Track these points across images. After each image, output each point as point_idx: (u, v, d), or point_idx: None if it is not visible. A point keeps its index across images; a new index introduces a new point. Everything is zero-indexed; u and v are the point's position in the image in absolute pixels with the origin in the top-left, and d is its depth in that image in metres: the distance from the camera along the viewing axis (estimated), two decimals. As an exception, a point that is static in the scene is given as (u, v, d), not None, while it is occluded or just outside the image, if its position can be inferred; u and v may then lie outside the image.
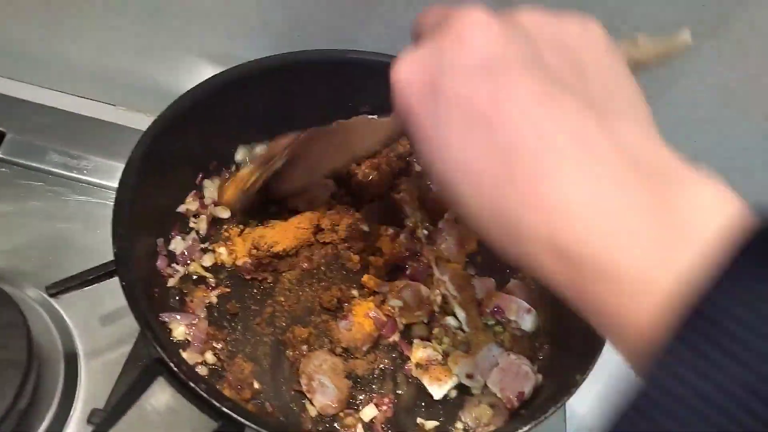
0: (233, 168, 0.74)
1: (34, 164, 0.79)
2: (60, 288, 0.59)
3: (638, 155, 0.27)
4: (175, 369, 0.45)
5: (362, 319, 0.64)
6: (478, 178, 0.29)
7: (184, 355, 0.58)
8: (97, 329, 0.68)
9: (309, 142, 0.63)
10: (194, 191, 0.71)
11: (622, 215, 0.25)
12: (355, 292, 0.67)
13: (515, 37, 0.30)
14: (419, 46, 0.32)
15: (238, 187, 0.67)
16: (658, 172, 0.26)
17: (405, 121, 0.32)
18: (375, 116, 0.63)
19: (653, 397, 0.22)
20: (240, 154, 0.74)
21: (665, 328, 0.23)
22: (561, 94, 0.28)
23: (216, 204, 0.71)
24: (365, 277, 0.67)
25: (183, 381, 0.45)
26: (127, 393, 0.47)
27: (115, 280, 0.58)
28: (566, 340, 0.64)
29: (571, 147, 0.27)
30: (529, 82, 0.29)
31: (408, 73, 0.32)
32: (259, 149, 0.72)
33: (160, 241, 0.66)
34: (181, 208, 0.70)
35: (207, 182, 0.72)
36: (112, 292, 0.65)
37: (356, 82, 0.73)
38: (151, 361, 0.48)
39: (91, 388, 0.65)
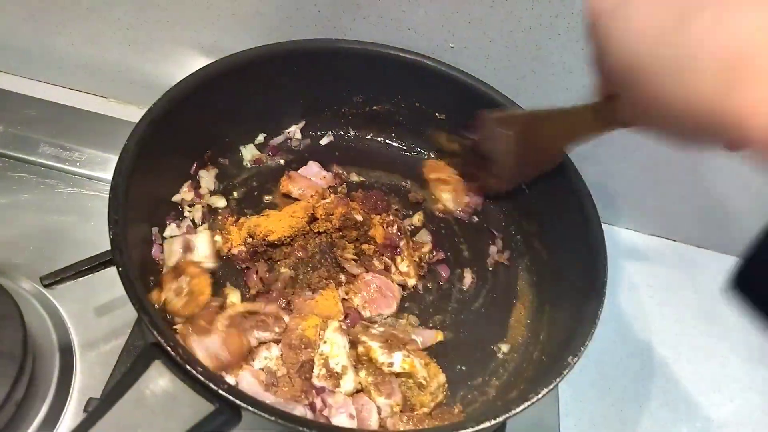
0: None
1: (26, 157, 0.79)
2: (55, 279, 0.59)
3: None
4: (172, 352, 0.46)
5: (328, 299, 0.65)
6: (658, 33, 0.37)
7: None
8: (92, 321, 0.69)
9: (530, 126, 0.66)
10: (189, 181, 0.71)
11: None
12: (342, 278, 0.67)
13: None
14: None
15: None
16: None
17: (596, 22, 0.42)
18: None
19: None
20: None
21: None
22: None
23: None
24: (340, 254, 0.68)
25: (179, 364, 0.46)
26: (123, 377, 0.47)
27: (109, 271, 0.58)
28: (558, 322, 0.65)
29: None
30: None
31: None
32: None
33: (155, 229, 0.66)
34: (176, 198, 0.70)
35: (203, 172, 0.72)
36: (106, 284, 0.66)
37: (350, 72, 0.74)
38: (148, 345, 0.48)
39: (87, 380, 0.65)
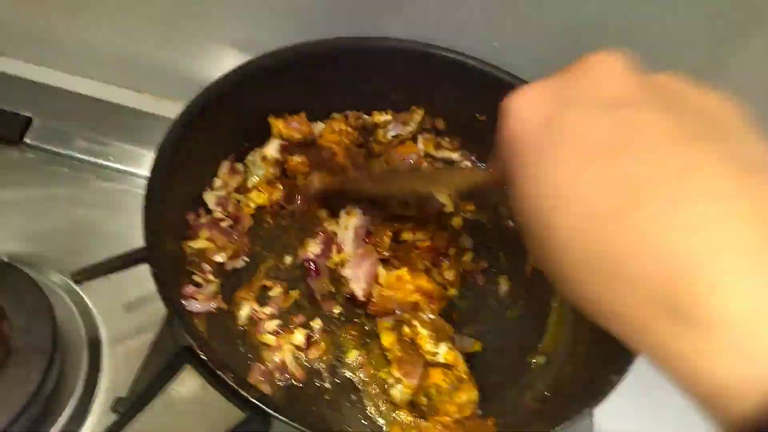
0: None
1: (60, 150, 0.79)
2: (86, 275, 0.59)
3: None
4: (204, 357, 0.45)
5: None
6: (586, 215, 0.26)
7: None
8: (120, 316, 0.68)
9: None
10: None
11: (760, 270, 0.22)
12: None
13: (651, 85, 0.29)
14: (542, 79, 0.31)
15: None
16: None
17: (510, 150, 0.30)
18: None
19: None
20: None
21: None
22: (696, 140, 0.25)
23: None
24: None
25: (211, 370, 0.45)
26: (153, 381, 0.47)
27: (140, 267, 0.57)
28: (599, 335, 0.62)
29: (706, 191, 0.24)
30: (662, 122, 0.26)
31: (526, 101, 0.30)
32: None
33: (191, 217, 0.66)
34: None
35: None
36: (136, 280, 0.65)
37: (389, 70, 0.72)
38: (179, 348, 0.47)
39: (114, 376, 0.65)
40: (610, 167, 0.26)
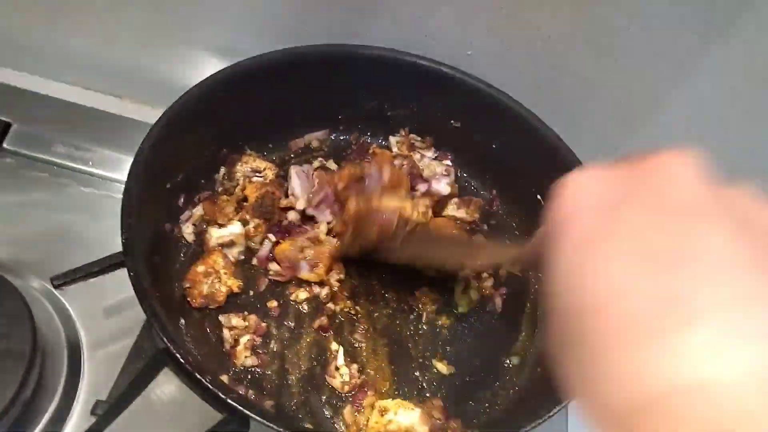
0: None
1: (39, 155, 0.79)
2: (65, 279, 0.60)
3: None
4: (182, 360, 0.45)
5: None
6: (623, 326, 0.24)
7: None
8: (100, 321, 0.68)
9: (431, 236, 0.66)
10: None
11: None
12: None
13: (723, 198, 0.26)
14: (606, 165, 0.28)
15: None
16: None
17: (560, 232, 0.28)
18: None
19: None
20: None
21: None
22: (764, 263, 0.24)
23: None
24: None
25: (189, 372, 0.45)
26: (132, 384, 0.47)
27: (119, 272, 0.58)
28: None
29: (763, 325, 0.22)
30: (731, 242, 0.24)
31: (586, 185, 0.28)
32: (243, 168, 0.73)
33: (168, 226, 0.68)
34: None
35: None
36: (115, 284, 0.66)
37: (364, 77, 0.73)
38: (158, 351, 0.48)
39: (94, 379, 0.65)
40: (668, 277, 0.23)
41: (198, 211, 0.70)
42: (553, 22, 0.68)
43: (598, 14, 0.66)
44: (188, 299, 0.63)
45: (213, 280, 0.64)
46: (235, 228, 0.67)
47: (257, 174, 0.73)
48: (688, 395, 0.22)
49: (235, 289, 0.65)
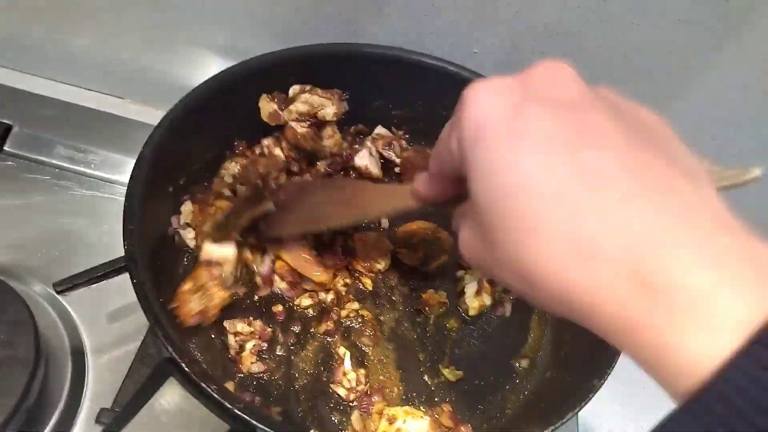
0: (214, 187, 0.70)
1: (40, 158, 0.78)
2: (68, 285, 0.59)
3: (721, 210, 0.28)
4: (187, 369, 0.45)
5: None
6: (556, 197, 0.28)
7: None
8: (104, 326, 0.68)
9: (309, 192, 0.63)
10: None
11: (715, 251, 0.26)
12: None
13: (597, 94, 0.31)
14: (500, 76, 0.32)
15: (216, 219, 0.65)
16: (737, 226, 0.27)
17: (471, 138, 0.31)
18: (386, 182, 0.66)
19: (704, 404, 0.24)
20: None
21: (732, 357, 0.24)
22: (644, 144, 0.29)
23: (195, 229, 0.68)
24: None
25: (194, 381, 0.45)
26: (137, 393, 0.46)
27: (122, 277, 0.57)
28: (580, 338, 0.63)
29: (662, 186, 0.27)
30: (615, 126, 0.29)
31: (490, 92, 0.31)
32: (233, 167, 0.69)
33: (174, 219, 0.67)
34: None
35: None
36: (119, 289, 0.65)
37: (370, 76, 0.72)
38: (162, 360, 0.47)
39: (99, 386, 0.64)
40: (576, 158, 0.28)
41: (187, 208, 0.68)
42: (561, 19, 0.67)
43: (608, 11, 0.65)
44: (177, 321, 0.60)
45: (202, 295, 0.62)
46: (227, 250, 0.63)
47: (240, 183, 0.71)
48: (615, 235, 0.27)
49: (228, 300, 0.63)
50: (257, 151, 0.71)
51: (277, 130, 0.71)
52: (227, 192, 0.70)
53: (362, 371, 0.63)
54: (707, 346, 0.24)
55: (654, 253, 0.26)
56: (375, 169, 0.75)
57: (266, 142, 0.70)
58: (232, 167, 0.69)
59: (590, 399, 0.50)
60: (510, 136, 0.30)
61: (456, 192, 0.40)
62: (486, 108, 0.31)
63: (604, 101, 0.31)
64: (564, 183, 0.28)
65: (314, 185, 0.67)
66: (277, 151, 0.70)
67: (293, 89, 0.70)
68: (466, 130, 0.32)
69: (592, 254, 0.27)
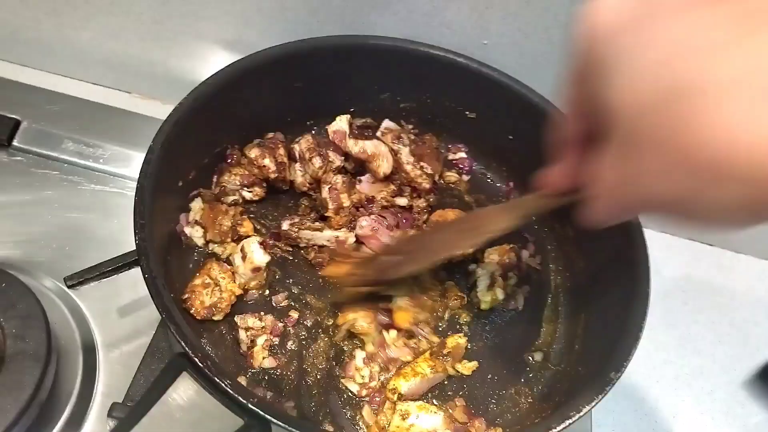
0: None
1: (49, 153, 0.78)
2: (78, 279, 0.59)
3: None
4: (200, 364, 0.44)
5: None
6: (715, 48, 0.26)
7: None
8: (115, 321, 0.68)
9: (432, 235, 0.64)
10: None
11: None
12: None
13: None
14: None
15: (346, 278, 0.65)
16: None
17: (592, 49, 0.31)
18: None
19: None
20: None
21: None
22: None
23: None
24: None
25: (208, 376, 0.44)
26: (150, 388, 0.46)
27: (133, 271, 0.57)
28: (595, 332, 0.62)
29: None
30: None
31: (606, 6, 0.31)
32: (233, 179, 0.69)
33: (183, 216, 0.67)
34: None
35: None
36: (129, 283, 0.65)
37: (378, 68, 0.72)
38: (175, 355, 0.47)
39: (110, 380, 0.64)
40: (720, 7, 0.26)
41: (196, 205, 0.68)
42: (570, 9, 0.66)
43: None
44: (190, 312, 0.61)
45: (213, 290, 0.62)
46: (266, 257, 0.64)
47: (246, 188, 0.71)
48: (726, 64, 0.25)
49: (238, 293, 0.63)
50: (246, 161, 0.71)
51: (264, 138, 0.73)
52: (235, 197, 0.70)
53: (375, 367, 0.62)
54: None
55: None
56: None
57: (253, 154, 0.70)
58: (232, 179, 0.69)
59: (607, 392, 0.50)
60: (645, 12, 0.29)
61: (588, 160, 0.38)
62: (606, 11, 0.31)
63: None
64: (718, 30, 0.26)
65: (437, 228, 0.69)
66: (266, 161, 0.70)
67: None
68: (597, 34, 0.31)
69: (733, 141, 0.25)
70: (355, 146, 0.70)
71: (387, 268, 0.61)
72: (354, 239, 0.69)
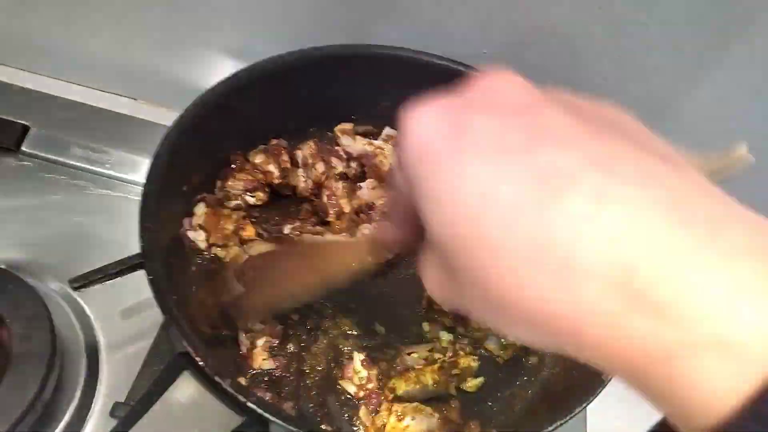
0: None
1: (57, 158, 0.79)
2: (83, 281, 0.60)
3: (717, 195, 0.23)
4: (201, 363, 0.45)
5: None
6: (517, 206, 0.24)
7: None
8: (118, 322, 0.69)
9: (270, 262, 0.61)
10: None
11: (723, 248, 0.21)
12: None
13: (550, 95, 0.28)
14: (440, 96, 0.29)
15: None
16: (741, 212, 0.23)
17: (416, 164, 0.28)
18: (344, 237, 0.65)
19: None
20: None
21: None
22: (610, 134, 0.25)
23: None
24: None
25: (209, 376, 0.45)
26: (151, 387, 0.47)
27: (136, 274, 0.58)
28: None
29: (639, 174, 0.23)
30: (572, 121, 0.25)
31: (428, 114, 0.28)
32: (237, 184, 0.70)
33: (186, 221, 0.68)
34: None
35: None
36: (132, 286, 0.66)
37: (379, 76, 0.73)
38: (177, 354, 0.48)
39: (113, 381, 0.65)
40: (532, 160, 0.24)
41: (200, 209, 0.69)
42: (570, 19, 0.67)
43: (617, 10, 0.65)
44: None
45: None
46: None
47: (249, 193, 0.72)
48: (592, 242, 0.22)
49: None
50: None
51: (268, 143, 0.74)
52: (238, 202, 0.71)
53: (374, 371, 0.63)
54: (730, 376, 0.20)
55: (646, 259, 0.21)
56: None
57: (258, 159, 0.72)
58: (236, 184, 0.70)
59: (599, 393, 0.51)
60: (454, 151, 0.26)
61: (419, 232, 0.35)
62: (425, 130, 0.28)
63: (559, 101, 0.27)
64: (521, 189, 0.24)
65: (275, 255, 0.65)
66: (271, 167, 0.71)
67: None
68: (408, 159, 0.28)
69: (569, 269, 0.22)
70: (358, 143, 0.72)
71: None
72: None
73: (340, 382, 0.62)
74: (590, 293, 0.22)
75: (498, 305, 0.25)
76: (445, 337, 0.65)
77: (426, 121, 0.28)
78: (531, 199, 0.23)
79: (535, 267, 0.23)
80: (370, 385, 0.62)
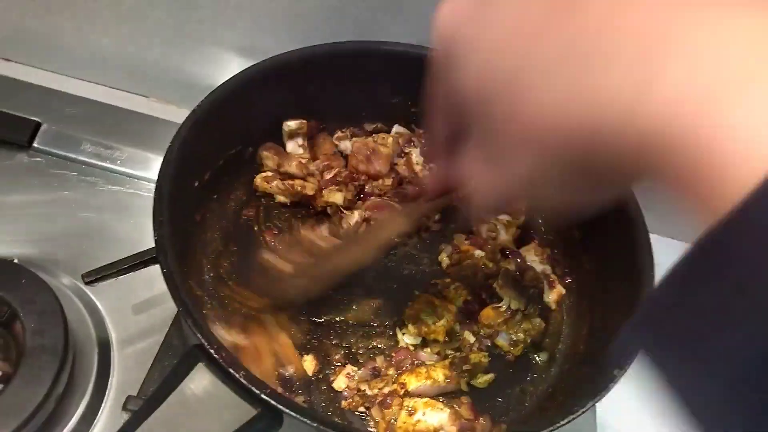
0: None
1: (68, 154, 0.80)
2: (96, 276, 0.60)
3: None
4: (215, 355, 0.46)
5: None
6: (554, 61, 0.26)
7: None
8: (129, 317, 0.69)
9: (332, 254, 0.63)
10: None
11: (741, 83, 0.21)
12: None
13: None
14: None
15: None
16: None
17: (442, 46, 0.33)
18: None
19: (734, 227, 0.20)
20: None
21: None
22: None
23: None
24: None
25: (223, 368, 0.46)
26: (165, 380, 0.48)
27: (148, 269, 0.58)
28: (599, 332, 0.63)
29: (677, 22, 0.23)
30: None
31: (452, 5, 0.33)
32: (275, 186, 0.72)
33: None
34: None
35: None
36: (144, 282, 0.67)
37: (388, 73, 0.73)
38: (190, 347, 0.48)
39: (124, 376, 0.66)
40: (568, 16, 0.27)
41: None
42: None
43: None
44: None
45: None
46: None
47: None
48: (616, 31, 0.25)
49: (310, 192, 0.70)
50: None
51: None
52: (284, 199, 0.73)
53: (391, 370, 0.63)
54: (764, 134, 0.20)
55: (680, 15, 0.23)
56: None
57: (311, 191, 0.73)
58: (276, 185, 0.73)
59: (610, 389, 0.51)
60: (478, 6, 0.31)
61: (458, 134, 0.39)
62: (453, 13, 0.33)
63: None
64: (542, 16, 0.27)
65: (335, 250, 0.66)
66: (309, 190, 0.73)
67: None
68: (442, 40, 0.33)
69: (596, 53, 0.25)
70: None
71: (292, 290, 0.62)
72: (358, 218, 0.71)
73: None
74: (620, 67, 0.24)
75: (534, 134, 0.28)
76: (470, 338, 0.66)
77: (450, 5, 0.34)
78: (550, 21, 0.27)
79: (565, 61, 0.26)
80: (380, 384, 0.62)
